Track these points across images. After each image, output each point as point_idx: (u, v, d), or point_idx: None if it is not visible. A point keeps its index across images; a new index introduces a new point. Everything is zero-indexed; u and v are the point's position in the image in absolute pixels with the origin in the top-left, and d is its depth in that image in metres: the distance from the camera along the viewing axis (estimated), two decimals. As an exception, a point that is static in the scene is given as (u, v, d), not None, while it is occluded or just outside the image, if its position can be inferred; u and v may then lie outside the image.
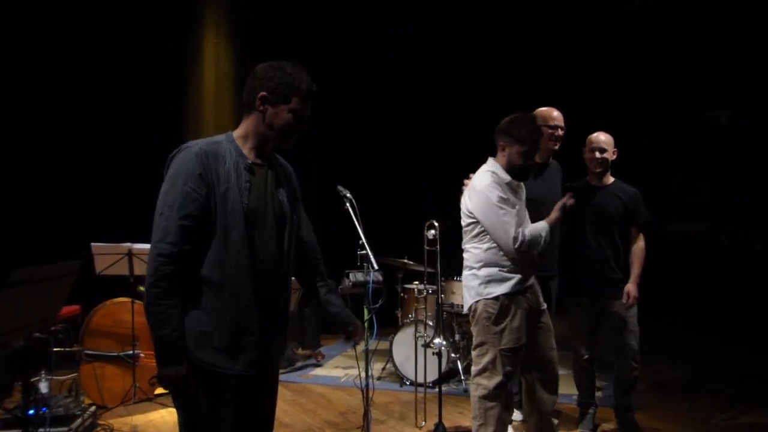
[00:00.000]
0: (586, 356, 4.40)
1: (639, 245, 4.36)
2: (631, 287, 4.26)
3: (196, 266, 2.27)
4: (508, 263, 3.63)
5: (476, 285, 3.68)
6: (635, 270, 4.30)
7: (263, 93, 2.36)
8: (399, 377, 5.92)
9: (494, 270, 3.64)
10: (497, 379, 3.61)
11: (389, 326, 6.71)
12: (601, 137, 4.40)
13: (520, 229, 3.59)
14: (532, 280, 3.74)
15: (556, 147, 4.37)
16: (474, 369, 3.69)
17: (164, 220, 2.23)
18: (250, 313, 2.34)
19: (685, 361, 6.77)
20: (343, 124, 7.75)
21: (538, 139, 3.66)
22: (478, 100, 7.45)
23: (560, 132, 4.37)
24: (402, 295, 6.28)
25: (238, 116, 2.51)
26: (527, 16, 7.83)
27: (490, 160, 3.77)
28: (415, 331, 5.45)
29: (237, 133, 2.44)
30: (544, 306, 3.82)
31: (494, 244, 3.62)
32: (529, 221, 3.84)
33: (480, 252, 3.68)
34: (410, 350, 5.60)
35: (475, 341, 3.70)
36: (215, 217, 2.28)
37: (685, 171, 8.46)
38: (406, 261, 6.09)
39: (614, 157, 4.40)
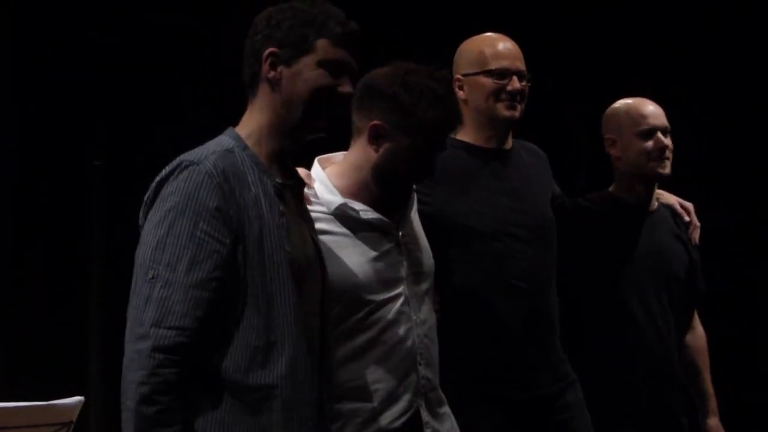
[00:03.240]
0: None
1: (701, 334, 2.88)
2: (716, 425, 2.79)
3: (218, 365, 1.62)
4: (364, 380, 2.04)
5: None
6: (708, 386, 2.81)
7: (271, 49, 1.75)
8: None
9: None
10: None
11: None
12: (654, 108, 2.71)
13: None
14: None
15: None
16: None
17: (161, 289, 1.59)
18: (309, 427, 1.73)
19: None
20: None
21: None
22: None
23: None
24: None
25: None
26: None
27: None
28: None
29: (243, 133, 1.78)
30: None
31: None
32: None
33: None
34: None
35: None
36: (247, 279, 1.64)
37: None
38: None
39: None
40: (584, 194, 2.90)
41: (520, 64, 2.51)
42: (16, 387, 3.43)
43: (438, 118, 1.99)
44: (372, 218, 2.06)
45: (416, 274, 2.13)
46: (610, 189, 2.81)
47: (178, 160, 1.74)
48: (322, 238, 1.99)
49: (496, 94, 2.46)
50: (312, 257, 1.84)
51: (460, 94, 2.50)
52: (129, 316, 1.66)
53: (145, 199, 1.75)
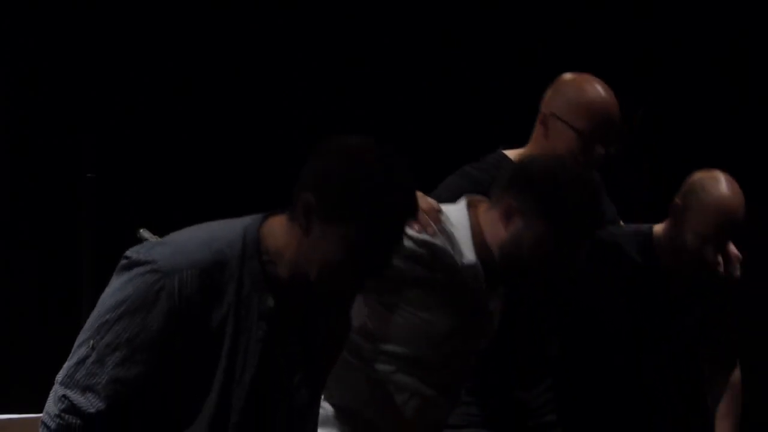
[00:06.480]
0: None
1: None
2: None
3: None
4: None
5: None
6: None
7: (309, 196, 1.58)
8: None
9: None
10: None
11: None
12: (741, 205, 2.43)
13: None
14: None
15: None
16: None
17: (93, 364, 1.63)
18: None
19: None
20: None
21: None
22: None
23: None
24: None
25: None
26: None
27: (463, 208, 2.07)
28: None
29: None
30: None
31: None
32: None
33: None
34: None
35: None
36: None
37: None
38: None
39: None
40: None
41: None
42: (8, 399, 3.46)
43: (563, 231, 1.90)
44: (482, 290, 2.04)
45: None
46: (655, 233, 2.54)
47: (152, 255, 1.69)
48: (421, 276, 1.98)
49: None
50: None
51: None
52: (76, 344, 1.70)
53: (122, 260, 1.72)
